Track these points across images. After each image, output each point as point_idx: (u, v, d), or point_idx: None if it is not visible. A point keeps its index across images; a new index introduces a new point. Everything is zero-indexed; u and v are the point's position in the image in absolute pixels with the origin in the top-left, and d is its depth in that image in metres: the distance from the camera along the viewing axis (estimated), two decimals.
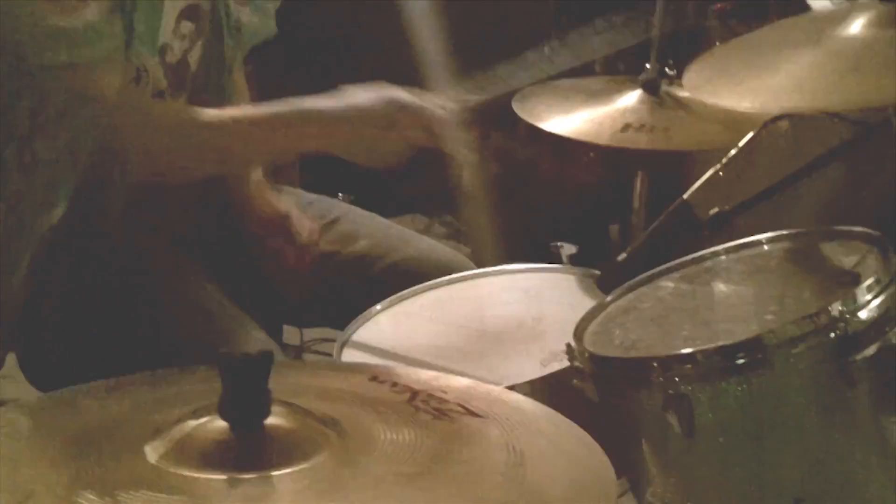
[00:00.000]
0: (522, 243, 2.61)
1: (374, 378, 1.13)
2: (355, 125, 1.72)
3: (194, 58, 1.76)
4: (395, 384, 1.11)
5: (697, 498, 1.33)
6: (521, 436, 1.04)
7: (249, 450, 0.96)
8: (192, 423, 0.98)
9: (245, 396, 0.97)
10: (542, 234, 2.70)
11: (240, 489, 0.92)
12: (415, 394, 1.09)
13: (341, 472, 0.94)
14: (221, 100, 1.88)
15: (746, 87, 1.63)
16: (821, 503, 1.26)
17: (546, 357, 1.58)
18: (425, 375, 1.19)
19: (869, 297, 1.27)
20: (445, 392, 1.10)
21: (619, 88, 2.13)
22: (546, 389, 1.51)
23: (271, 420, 0.98)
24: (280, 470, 0.94)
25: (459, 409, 1.07)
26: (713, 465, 1.30)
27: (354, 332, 1.75)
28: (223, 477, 0.93)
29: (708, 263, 1.58)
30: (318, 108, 1.73)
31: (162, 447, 0.96)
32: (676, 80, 2.05)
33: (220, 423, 0.97)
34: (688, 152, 2.34)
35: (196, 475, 0.92)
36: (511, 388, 1.49)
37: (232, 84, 1.93)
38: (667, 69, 2.06)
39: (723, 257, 1.57)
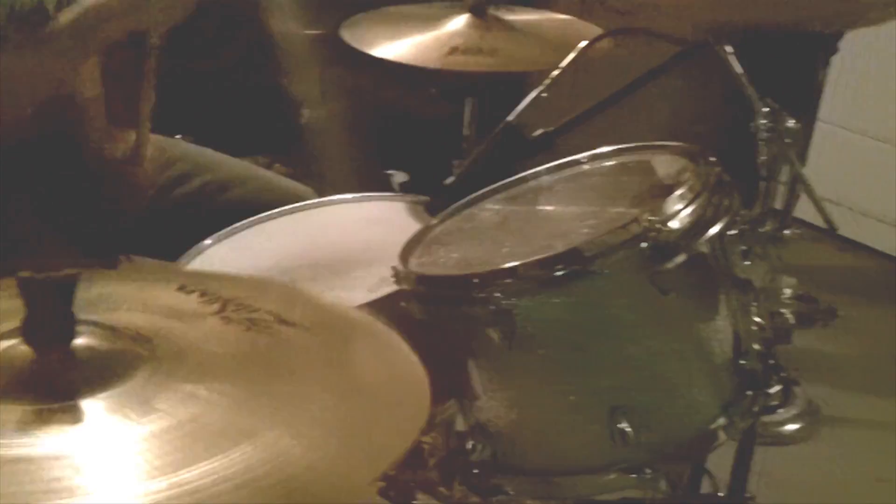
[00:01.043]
0: (366, 174, 2.61)
1: (182, 288, 1.10)
2: None
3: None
4: (203, 294, 1.09)
5: (521, 411, 1.35)
6: (339, 344, 1.04)
7: (56, 376, 0.93)
8: None
9: (48, 319, 0.94)
10: (384, 165, 2.70)
11: (46, 417, 0.89)
12: (225, 304, 1.07)
13: (152, 393, 0.93)
14: None
15: None
16: (638, 409, 1.29)
17: (376, 282, 1.58)
18: (237, 284, 1.16)
19: (679, 207, 1.31)
20: (257, 300, 1.08)
21: (447, 13, 2.12)
22: (376, 314, 1.51)
23: (79, 342, 0.95)
24: (89, 396, 0.92)
25: (272, 318, 1.06)
26: (535, 377, 1.33)
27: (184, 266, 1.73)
28: (29, 408, 0.90)
29: (531, 183, 1.60)
30: None
31: None
32: (504, 2, 2.05)
33: (25, 349, 0.94)
34: (524, 76, 2.36)
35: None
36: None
37: None
38: None
39: (545, 177, 1.59)
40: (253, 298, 1.08)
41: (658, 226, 1.27)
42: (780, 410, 2.61)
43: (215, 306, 1.06)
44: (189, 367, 0.97)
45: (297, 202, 1.88)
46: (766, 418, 2.50)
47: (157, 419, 0.90)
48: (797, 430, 2.65)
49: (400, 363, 1.04)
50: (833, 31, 2.62)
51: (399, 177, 2.31)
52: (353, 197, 1.90)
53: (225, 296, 1.08)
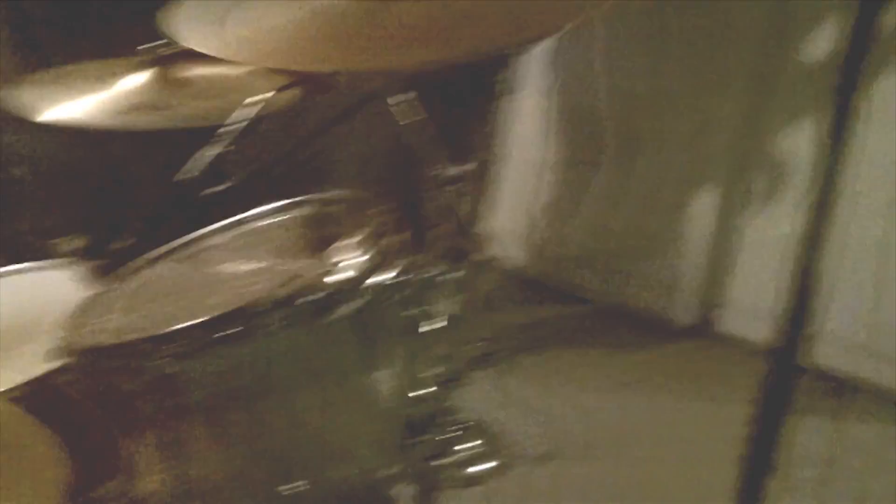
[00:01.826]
0: (39, 243, 2.47)
1: None
2: None
3: None
4: None
5: (199, 482, 1.30)
6: None
7: None
8: None
9: None
10: (58, 232, 2.58)
11: None
12: None
13: None
14: None
15: (231, 35, 1.56)
16: (310, 466, 1.27)
17: (38, 358, 1.49)
18: None
19: (343, 257, 1.30)
20: None
21: (124, 69, 2.05)
22: (42, 389, 1.43)
23: None
24: None
25: None
26: (203, 443, 1.28)
27: None
28: None
29: (204, 243, 1.56)
30: None
31: None
32: (180, 58, 2.00)
33: None
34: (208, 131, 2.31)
35: None
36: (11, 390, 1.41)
37: None
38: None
39: (217, 236, 1.56)
40: None
41: (320, 279, 1.26)
42: (462, 452, 2.64)
43: None
44: None
45: None
46: (450, 461, 2.52)
47: None
48: (482, 471, 2.67)
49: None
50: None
51: (73, 242, 2.21)
52: (18, 268, 1.80)
53: None
